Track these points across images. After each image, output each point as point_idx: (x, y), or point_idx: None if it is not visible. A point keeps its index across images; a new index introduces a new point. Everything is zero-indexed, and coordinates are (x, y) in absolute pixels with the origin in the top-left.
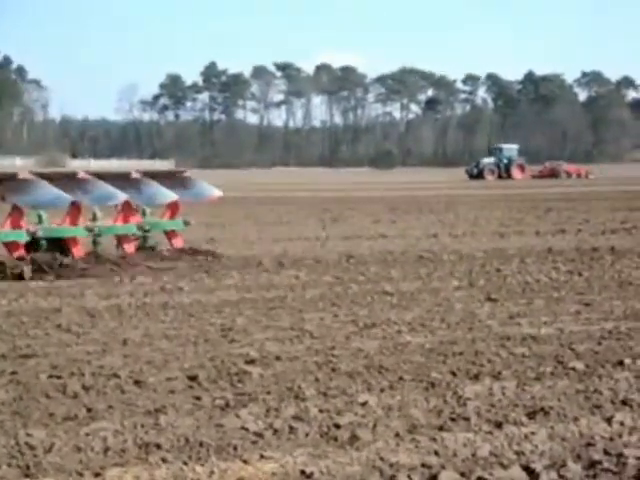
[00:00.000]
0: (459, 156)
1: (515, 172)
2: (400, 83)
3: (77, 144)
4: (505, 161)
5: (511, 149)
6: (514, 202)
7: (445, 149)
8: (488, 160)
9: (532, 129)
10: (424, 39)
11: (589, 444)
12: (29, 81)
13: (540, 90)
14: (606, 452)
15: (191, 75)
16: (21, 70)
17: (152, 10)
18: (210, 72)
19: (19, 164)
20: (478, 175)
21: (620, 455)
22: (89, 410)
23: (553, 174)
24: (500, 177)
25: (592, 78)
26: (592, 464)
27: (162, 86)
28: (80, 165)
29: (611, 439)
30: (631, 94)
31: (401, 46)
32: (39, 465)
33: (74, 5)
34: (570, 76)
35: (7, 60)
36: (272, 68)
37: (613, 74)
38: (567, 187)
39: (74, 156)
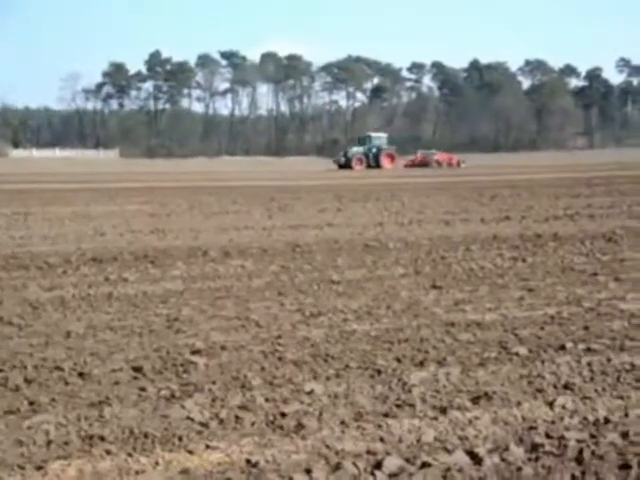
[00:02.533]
0: (405, 144)
1: (384, 161)
2: (346, 71)
3: (18, 133)
4: (374, 150)
5: (380, 137)
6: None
7: (391, 137)
8: (357, 149)
9: (478, 117)
10: (370, 27)
11: (531, 428)
12: None
13: (485, 78)
14: (548, 435)
15: (135, 64)
16: None
17: None
18: (154, 60)
19: None
20: (346, 164)
21: (561, 438)
22: (31, 403)
23: (424, 163)
24: (369, 166)
25: (535, 66)
26: (534, 447)
27: (105, 74)
28: (23, 155)
29: (553, 422)
30: (574, 82)
31: (347, 35)
32: None
33: None
34: (514, 64)
35: None
36: (217, 56)
37: (556, 62)
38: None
39: (16, 146)
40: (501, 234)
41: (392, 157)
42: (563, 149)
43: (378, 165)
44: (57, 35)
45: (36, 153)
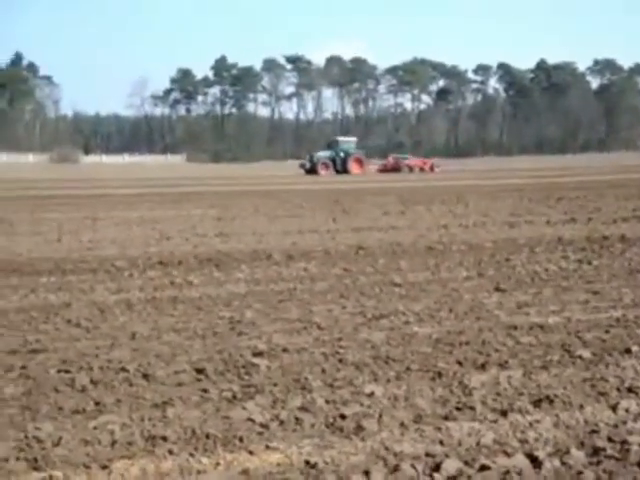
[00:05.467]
0: (471, 146)
1: (352, 166)
2: (411, 74)
3: (89, 140)
4: (342, 155)
5: (348, 142)
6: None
7: (457, 139)
8: (323, 154)
9: (545, 118)
10: (435, 29)
11: (593, 431)
12: (41, 77)
13: (552, 79)
14: (610, 439)
15: (202, 69)
16: (32, 67)
17: (162, 4)
18: (221, 66)
19: (32, 161)
20: (312, 170)
21: (624, 442)
22: (97, 404)
23: (395, 168)
24: (337, 172)
25: (604, 66)
26: (596, 451)
27: (173, 81)
28: (93, 161)
29: (615, 426)
30: None
31: (412, 37)
32: (47, 458)
33: (86, 0)
34: (582, 64)
35: (19, 57)
36: (282, 61)
37: (626, 61)
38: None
39: (87, 152)
40: (566, 236)
41: (361, 162)
42: (633, 149)
43: (346, 170)
44: (126, 42)
45: (105, 159)
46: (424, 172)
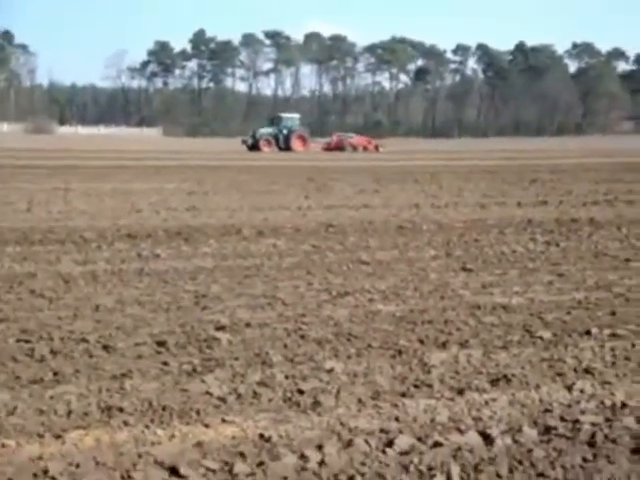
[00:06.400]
0: (448, 127)
1: (295, 143)
2: (390, 53)
3: (65, 111)
4: (285, 132)
5: (292, 118)
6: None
7: (434, 120)
8: (266, 130)
9: (522, 100)
10: (415, 8)
11: (547, 410)
12: (16, 45)
13: (530, 61)
14: (562, 418)
15: (180, 42)
16: (7, 34)
17: None
18: (199, 39)
19: (6, 130)
20: (254, 146)
21: (576, 421)
22: (55, 374)
23: (339, 147)
24: (280, 149)
25: (583, 49)
26: (547, 429)
27: (150, 53)
28: (68, 132)
29: (569, 406)
30: (622, 66)
31: (391, 15)
32: (1, 427)
33: None
34: (561, 47)
35: None
36: (261, 36)
37: (604, 45)
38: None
39: (62, 123)
40: (536, 218)
41: (304, 139)
42: (609, 133)
43: (288, 147)
44: (104, 13)
45: (81, 130)
46: (368, 151)
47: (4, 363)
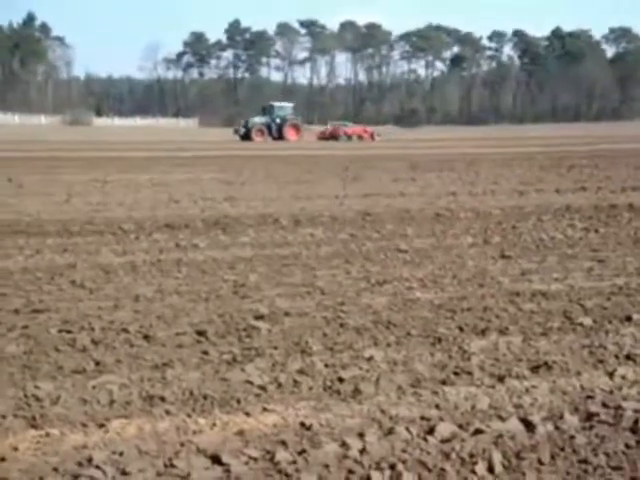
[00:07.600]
0: (484, 114)
1: (288, 133)
2: (425, 40)
3: (102, 102)
4: (278, 121)
5: (285, 107)
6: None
7: (470, 107)
8: (258, 119)
9: (559, 86)
10: None
11: (588, 397)
12: (53, 38)
13: (567, 47)
14: (604, 405)
15: (215, 33)
16: (45, 27)
17: None
18: (234, 30)
19: (44, 122)
20: (246, 136)
21: (618, 407)
22: (97, 364)
23: (333, 135)
24: (273, 138)
25: (620, 34)
26: (589, 416)
27: (186, 44)
28: (105, 123)
29: (611, 392)
30: None
31: (426, 3)
32: (45, 416)
33: None
34: (598, 32)
35: (31, 17)
36: (296, 25)
37: None
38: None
39: (99, 114)
40: (575, 204)
41: (297, 128)
42: None
43: (281, 137)
44: (139, 5)
45: (117, 121)
46: (363, 140)
47: (47, 353)
